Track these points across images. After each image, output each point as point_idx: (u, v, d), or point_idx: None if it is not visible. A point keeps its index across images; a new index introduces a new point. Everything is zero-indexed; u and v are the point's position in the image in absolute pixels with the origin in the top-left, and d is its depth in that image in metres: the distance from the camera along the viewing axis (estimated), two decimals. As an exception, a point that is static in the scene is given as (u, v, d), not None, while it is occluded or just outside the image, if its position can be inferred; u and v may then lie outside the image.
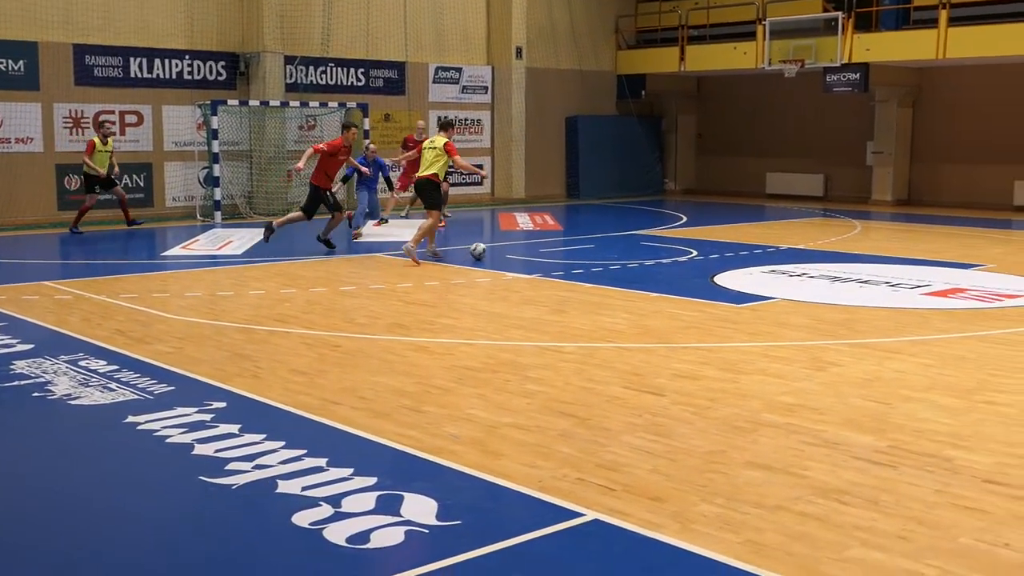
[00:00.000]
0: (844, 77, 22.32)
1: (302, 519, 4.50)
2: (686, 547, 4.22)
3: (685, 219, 19.96)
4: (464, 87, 23.96)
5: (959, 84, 23.07)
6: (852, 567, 4.04)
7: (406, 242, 13.52)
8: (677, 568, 4.06)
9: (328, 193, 14.46)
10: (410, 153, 17.92)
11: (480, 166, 22.46)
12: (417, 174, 14.00)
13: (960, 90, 23.14)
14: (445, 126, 14.06)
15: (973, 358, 7.74)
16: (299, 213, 14.63)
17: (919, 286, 11.18)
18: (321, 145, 14.64)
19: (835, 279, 11.77)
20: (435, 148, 13.49)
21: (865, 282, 11.52)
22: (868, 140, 24.30)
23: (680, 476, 5.09)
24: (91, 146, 16.89)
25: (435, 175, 13.53)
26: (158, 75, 19.44)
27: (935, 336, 8.58)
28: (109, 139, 17.16)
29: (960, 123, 23.16)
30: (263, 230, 14.69)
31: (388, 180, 17.96)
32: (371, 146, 18.51)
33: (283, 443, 5.57)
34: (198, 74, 19.95)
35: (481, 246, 13.93)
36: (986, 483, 4.99)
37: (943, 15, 20.63)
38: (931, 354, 7.87)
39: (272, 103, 20.02)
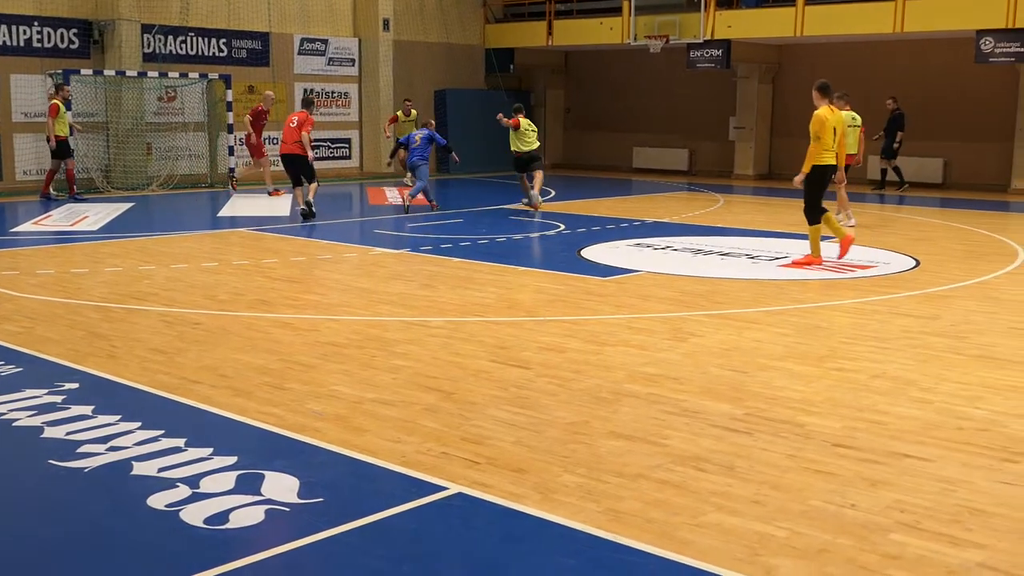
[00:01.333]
0: (707, 53, 22.81)
1: (158, 501, 4.38)
2: (548, 517, 4.27)
3: (553, 193, 20.11)
4: (331, 59, 23.57)
5: (816, 61, 23.81)
6: (708, 531, 4.15)
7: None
8: (538, 538, 4.10)
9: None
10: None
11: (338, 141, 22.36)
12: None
13: (817, 67, 23.86)
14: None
15: (826, 327, 8.03)
16: (314, 184, 15.17)
17: (777, 258, 11.53)
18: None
19: (698, 252, 12.05)
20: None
21: (726, 255, 11.83)
22: (731, 115, 24.89)
23: (543, 447, 5.14)
24: (55, 109, 17.07)
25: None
26: (5, 42, 18.52)
27: (791, 306, 8.87)
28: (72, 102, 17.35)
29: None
30: (303, 215, 14.92)
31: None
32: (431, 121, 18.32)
33: (139, 424, 5.41)
34: (48, 42, 19.08)
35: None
36: (835, 447, 5.19)
37: (801, -6, 21.23)
38: (787, 324, 8.13)
39: (129, 73, 19.32)
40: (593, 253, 11.90)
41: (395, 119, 21.21)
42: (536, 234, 13.71)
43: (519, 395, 6.06)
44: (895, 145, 20.86)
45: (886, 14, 20.27)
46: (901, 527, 4.19)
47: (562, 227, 14.44)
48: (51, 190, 17.88)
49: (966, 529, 4.18)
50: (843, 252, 11.09)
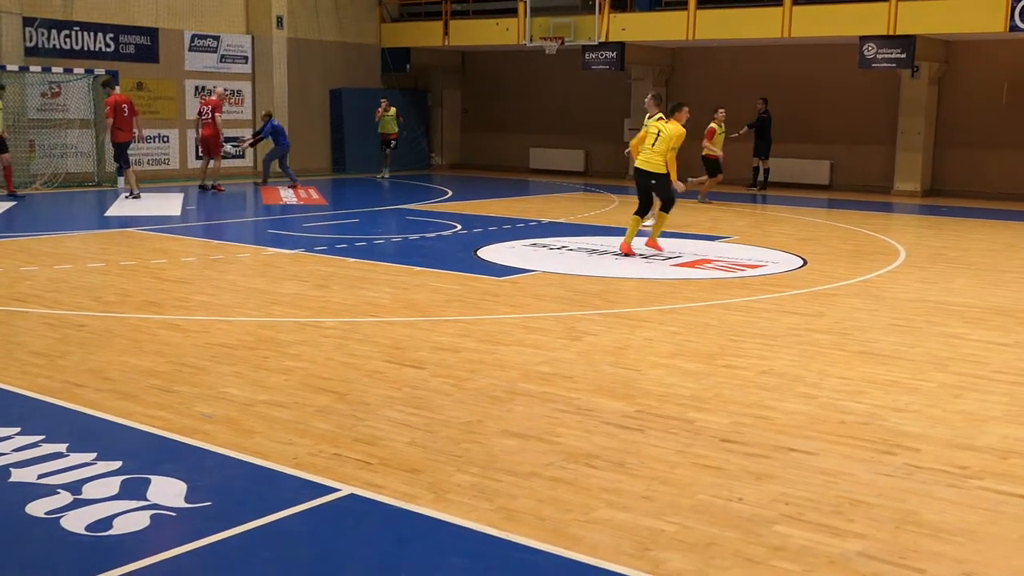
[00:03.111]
0: (601, 55, 23.07)
1: (37, 508, 4.24)
2: (440, 516, 4.26)
3: (451, 193, 20.10)
4: (223, 56, 23.15)
5: (708, 64, 24.30)
6: (598, 527, 4.19)
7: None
8: (431, 537, 4.09)
9: None
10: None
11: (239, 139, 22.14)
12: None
13: (709, 70, 24.37)
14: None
15: (716, 325, 8.19)
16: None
17: (670, 258, 11.72)
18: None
19: (592, 252, 12.17)
20: None
21: (621, 255, 11.96)
22: (626, 117, 25.20)
23: (437, 447, 5.13)
24: None
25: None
26: None
27: (683, 305, 9.03)
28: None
29: (709, 102, 24.36)
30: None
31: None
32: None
33: (18, 429, 5.22)
34: (-78, 33, 18.33)
35: None
36: (723, 442, 5.30)
37: (692, -2, 21.64)
38: (678, 322, 8.27)
39: (10, 68, 18.66)
40: (489, 253, 11.93)
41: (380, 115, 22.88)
42: (432, 234, 13.69)
43: (413, 395, 6.04)
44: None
45: (774, 19, 20.78)
46: (785, 519, 4.30)
47: (458, 227, 14.44)
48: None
49: (847, 520, 4.31)
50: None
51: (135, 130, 17.96)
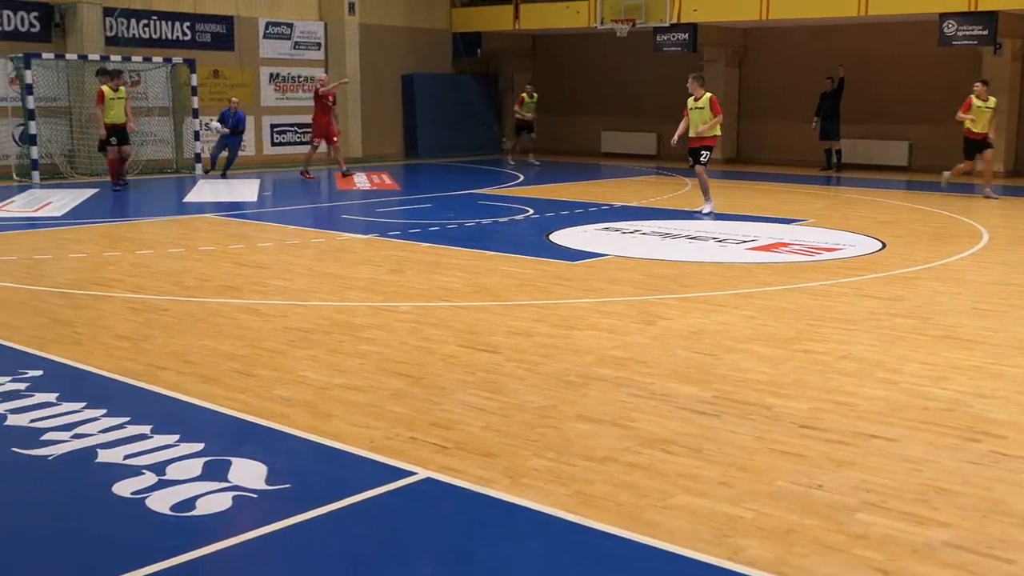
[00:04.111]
0: (673, 37, 22.81)
1: (123, 488, 4.34)
2: (516, 501, 4.26)
3: (522, 178, 20.09)
4: (296, 43, 23.39)
5: (782, 44, 23.90)
6: (675, 513, 4.16)
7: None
8: (507, 522, 4.10)
9: None
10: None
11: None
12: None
13: (783, 50, 23.98)
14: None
15: (793, 309, 8.07)
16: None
17: (744, 241, 11.58)
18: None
19: (666, 235, 12.07)
20: None
21: (694, 238, 11.87)
22: (697, 100, 24.87)
23: (512, 432, 5.14)
24: (100, 95, 16.30)
25: None
26: (-37, 26, 18.24)
27: (758, 289, 8.91)
28: (121, 87, 16.71)
29: (783, 83, 24.03)
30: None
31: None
32: (233, 100, 18.85)
33: (104, 411, 5.35)
34: (8, 25, 18.81)
35: None
36: (802, 428, 5.22)
37: (768, -23, 21.29)
38: (754, 306, 8.17)
39: (91, 57, 19.07)
40: (562, 237, 11.90)
41: (521, 100, 22.89)
42: (504, 218, 13.69)
43: (488, 380, 6.05)
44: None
45: (851, -3, 20.35)
46: (867, 507, 4.23)
47: (530, 211, 14.42)
48: (14, 176, 17.66)
49: (932, 508, 4.22)
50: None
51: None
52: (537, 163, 23.20)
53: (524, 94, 23.21)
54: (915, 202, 16.22)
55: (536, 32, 26.50)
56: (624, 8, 22.88)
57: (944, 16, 19.49)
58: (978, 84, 17.07)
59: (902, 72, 22.12)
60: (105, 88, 16.38)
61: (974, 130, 16.74)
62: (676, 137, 14.30)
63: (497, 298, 8.46)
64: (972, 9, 19.14)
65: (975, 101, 16.81)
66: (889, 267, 9.99)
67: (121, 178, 17.07)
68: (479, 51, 26.41)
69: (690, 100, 14.39)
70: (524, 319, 7.67)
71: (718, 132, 14.55)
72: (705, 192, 14.42)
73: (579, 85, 27.35)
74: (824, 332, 7.30)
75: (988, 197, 16.50)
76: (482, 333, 7.20)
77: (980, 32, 19.32)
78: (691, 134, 14.33)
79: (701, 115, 14.19)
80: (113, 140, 16.59)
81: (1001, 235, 12.37)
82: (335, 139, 19.28)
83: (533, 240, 11.78)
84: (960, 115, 16.92)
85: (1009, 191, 18.31)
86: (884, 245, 11.38)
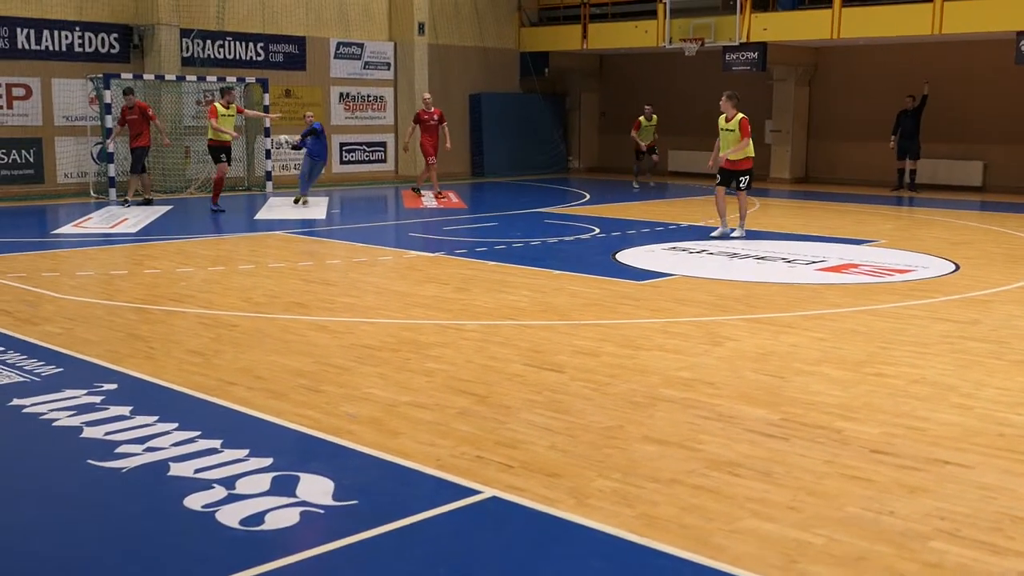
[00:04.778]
0: (743, 56, 22.68)
1: (194, 502, 4.41)
2: (581, 521, 4.25)
3: (588, 197, 20.09)
4: (366, 63, 23.69)
5: (853, 63, 23.63)
6: (743, 537, 4.11)
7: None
8: (571, 542, 4.09)
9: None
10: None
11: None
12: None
13: (854, 69, 23.70)
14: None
15: (863, 331, 7.94)
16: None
17: (814, 262, 11.44)
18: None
19: (733, 256, 11.98)
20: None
21: (762, 258, 11.75)
22: (766, 119, 24.73)
23: (578, 452, 5.13)
24: (214, 110, 16.66)
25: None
26: (47, 47, 18.79)
27: (828, 310, 8.79)
28: (233, 104, 17.02)
29: (854, 102, 23.74)
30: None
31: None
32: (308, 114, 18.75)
33: (176, 425, 5.45)
34: (90, 46, 19.33)
35: None
36: (873, 453, 5.13)
37: (838, -4, 21.08)
38: (824, 328, 8.06)
39: (168, 77, 19.52)
40: (628, 257, 11.87)
41: (638, 125, 22.11)
42: (571, 237, 13.70)
43: (553, 399, 6.05)
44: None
45: (924, 15, 20.05)
46: (941, 535, 4.14)
47: (596, 230, 14.41)
48: (92, 193, 18.12)
49: (1007, 537, 4.12)
50: None
51: (156, 136, 17.95)
52: (652, 184, 22.91)
53: (641, 117, 22.22)
54: (989, 223, 15.89)
55: (604, 52, 26.53)
56: (693, 27, 22.82)
57: (1021, 34, 19.11)
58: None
59: (977, 91, 21.73)
60: (218, 105, 16.76)
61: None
62: (712, 161, 13.93)
63: (563, 317, 8.46)
64: (1051, 27, 18.74)
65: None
66: (963, 289, 9.79)
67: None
68: (547, 70, 26.51)
69: (721, 119, 13.85)
70: (590, 339, 7.65)
71: (751, 153, 13.89)
72: (742, 216, 14.00)
73: (646, 104, 27.27)
74: (896, 355, 7.18)
75: None
76: (548, 352, 7.20)
77: (1059, 50, 18.91)
78: (724, 157, 13.81)
79: (731, 137, 13.65)
80: (223, 157, 16.90)
81: (1080, 258, 12.06)
82: (428, 158, 19.22)
83: (599, 259, 11.77)
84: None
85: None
86: (957, 267, 11.17)
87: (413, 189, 19.70)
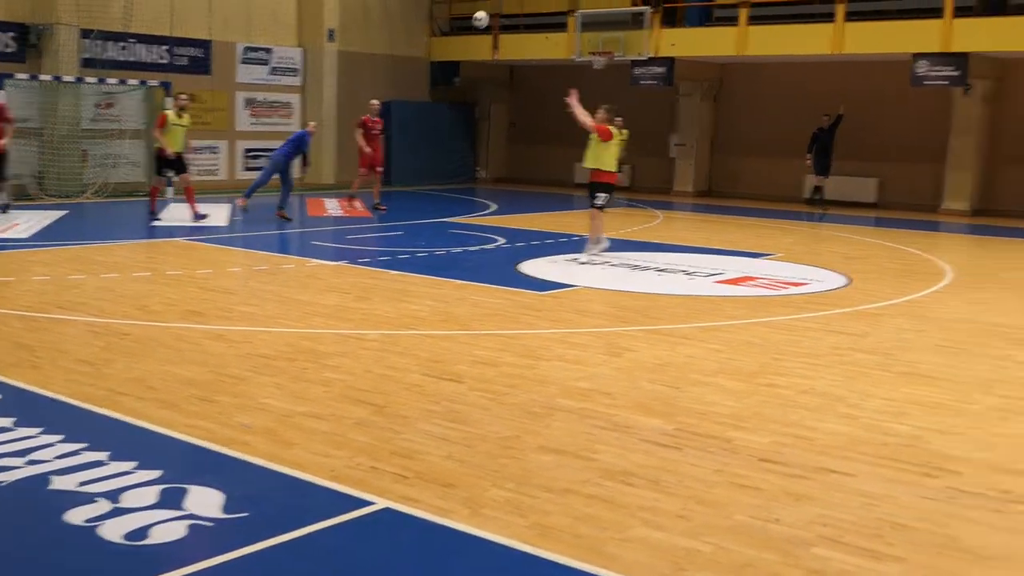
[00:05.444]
0: (650, 71, 23.01)
1: (76, 516, 4.29)
2: (474, 532, 4.25)
3: (495, 207, 20.14)
4: (274, 68, 23.39)
5: (758, 80, 24.15)
6: (634, 546, 4.16)
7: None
8: (464, 553, 4.08)
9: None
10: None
11: None
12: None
13: (759, 86, 24.23)
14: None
15: (758, 343, 8.11)
16: None
17: (713, 274, 11.64)
18: None
19: (635, 267, 12.12)
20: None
21: (663, 270, 11.92)
22: (671, 133, 25.12)
23: (474, 462, 5.13)
24: (163, 119, 15.74)
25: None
26: (-62, 45, 18.14)
27: (725, 322, 8.95)
28: (185, 113, 16.03)
29: (758, 118, 24.26)
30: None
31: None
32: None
33: (61, 437, 5.29)
34: (-18, 45, 18.74)
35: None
36: (762, 462, 5.24)
37: (743, 13, 21.53)
38: (720, 340, 8.20)
39: (66, 79, 19.00)
40: (531, 267, 11.92)
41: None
42: (475, 247, 13.71)
43: (451, 409, 6.04)
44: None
45: (825, 36, 20.60)
46: (824, 541, 4.24)
47: (502, 241, 14.45)
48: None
49: (887, 543, 4.24)
50: None
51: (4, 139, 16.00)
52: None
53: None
54: (883, 238, 16.37)
55: (514, 63, 26.66)
56: (602, 41, 23.07)
57: (917, 56, 19.77)
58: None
59: (875, 110, 22.37)
60: (169, 113, 16.06)
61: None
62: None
63: (464, 327, 8.46)
64: (944, 50, 19.42)
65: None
66: (855, 303, 10.07)
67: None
68: (457, 80, 26.53)
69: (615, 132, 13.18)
70: (490, 349, 7.66)
71: (612, 168, 13.00)
72: (595, 235, 13.05)
73: (555, 116, 27.40)
74: (788, 366, 7.34)
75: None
76: (447, 362, 7.19)
77: (952, 73, 19.60)
78: (590, 166, 13.00)
79: (605, 149, 12.83)
80: (170, 173, 16.33)
81: (966, 272, 12.50)
82: (376, 167, 18.78)
83: (502, 269, 11.80)
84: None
85: (974, 230, 18.52)
86: (851, 281, 11.48)
87: (349, 197, 19.17)
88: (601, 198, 12.88)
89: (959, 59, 19.38)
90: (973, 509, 4.66)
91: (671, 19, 22.94)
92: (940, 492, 4.86)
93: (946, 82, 19.76)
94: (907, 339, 8.41)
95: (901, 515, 4.56)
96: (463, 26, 26.59)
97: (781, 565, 4.00)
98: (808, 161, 21.04)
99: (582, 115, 12.73)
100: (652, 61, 22.77)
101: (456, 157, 26.77)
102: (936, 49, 19.51)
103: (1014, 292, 11.06)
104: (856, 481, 4.98)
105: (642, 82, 23.21)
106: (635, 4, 23.35)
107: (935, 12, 19.45)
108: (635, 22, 22.67)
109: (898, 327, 8.91)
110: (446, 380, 6.69)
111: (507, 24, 25.42)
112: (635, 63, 22.93)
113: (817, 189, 21.38)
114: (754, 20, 21.56)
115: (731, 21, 21.95)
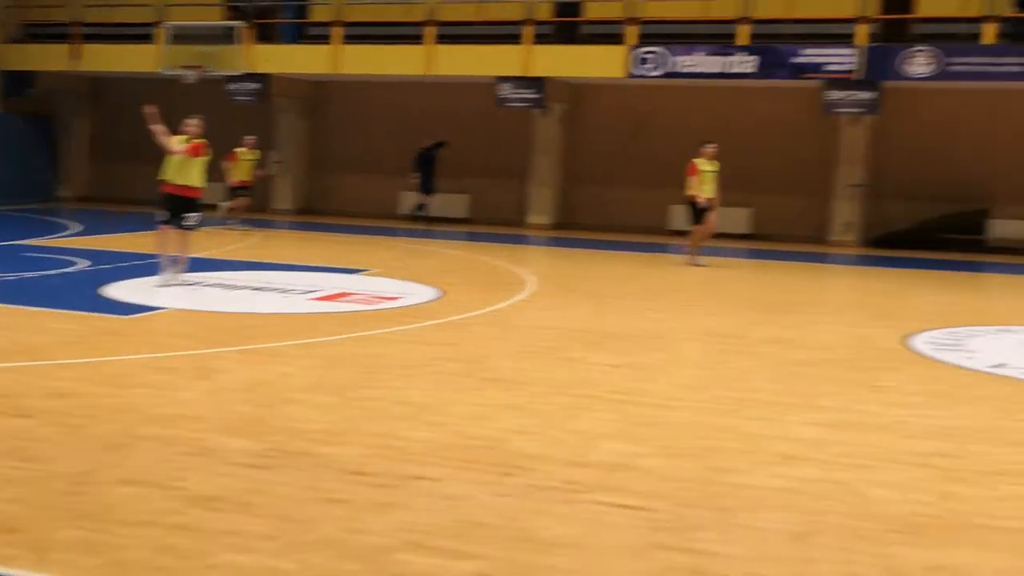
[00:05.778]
0: (245, 86, 22.67)
1: None
2: (40, 578, 3.94)
3: (80, 228, 18.89)
4: None
5: (353, 99, 24.54)
6: (219, 572, 4.04)
7: None
8: (27, 602, 3.77)
9: None
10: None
11: None
12: None
13: (356, 104, 24.62)
14: None
15: (353, 357, 8.21)
16: None
17: (309, 292, 11.65)
18: None
19: (230, 287, 11.85)
20: None
21: (258, 289, 11.75)
22: (270, 149, 24.85)
23: (43, 502, 4.74)
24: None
25: None
26: None
27: (320, 339, 8.98)
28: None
29: (354, 135, 24.65)
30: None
31: None
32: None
33: None
34: None
35: None
36: (352, 474, 5.29)
37: (337, 32, 21.81)
38: (315, 356, 8.21)
39: None
40: (117, 290, 11.27)
41: (234, 157, 19.20)
42: (54, 272, 12.76)
43: (18, 447, 5.55)
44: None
45: (417, 57, 21.39)
46: (408, 546, 4.35)
47: (86, 263, 13.58)
48: None
49: (467, 542, 4.43)
50: None
51: None
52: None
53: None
54: (473, 252, 17.22)
55: (98, 74, 25.15)
56: (193, 55, 22.36)
57: (501, 79, 21.01)
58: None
59: (463, 129, 23.49)
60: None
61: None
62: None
63: (38, 358, 7.83)
64: (525, 74, 20.80)
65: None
66: (446, 315, 10.49)
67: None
68: (30, 90, 24.60)
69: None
70: (68, 379, 7.14)
71: (200, 184, 12.42)
72: (181, 258, 12.26)
73: (143, 131, 26.18)
74: (382, 379, 7.49)
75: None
76: (15, 396, 6.61)
77: (532, 95, 21.07)
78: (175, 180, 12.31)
79: (193, 164, 12.25)
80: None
81: (546, 282, 13.45)
82: None
83: (85, 294, 11.06)
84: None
85: (555, 242, 19.98)
86: (443, 293, 11.95)
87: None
88: (193, 218, 12.34)
89: (538, 83, 20.86)
90: (545, 502, 4.99)
91: (266, 35, 22.73)
92: (516, 489, 5.16)
93: (527, 104, 21.21)
94: (491, 346, 8.88)
95: (481, 514, 4.78)
96: (38, 33, 24.78)
97: (364, 574, 4.06)
98: (414, 180, 21.75)
99: (164, 137, 12.14)
100: (247, 77, 22.48)
101: (33, 174, 24.79)
102: (517, 73, 20.87)
103: (589, 299, 12.04)
104: (441, 485, 5.17)
105: (236, 97, 22.83)
106: (228, 19, 22.92)
107: (516, 38, 20.82)
108: (226, 37, 22.24)
109: (484, 336, 9.39)
110: (13, 417, 6.14)
111: (90, 33, 23.98)
112: (229, 79, 22.51)
113: (421, 207, 22.15)
114: (349, 39, 21.92)
115: (325, 40, 22.16)
